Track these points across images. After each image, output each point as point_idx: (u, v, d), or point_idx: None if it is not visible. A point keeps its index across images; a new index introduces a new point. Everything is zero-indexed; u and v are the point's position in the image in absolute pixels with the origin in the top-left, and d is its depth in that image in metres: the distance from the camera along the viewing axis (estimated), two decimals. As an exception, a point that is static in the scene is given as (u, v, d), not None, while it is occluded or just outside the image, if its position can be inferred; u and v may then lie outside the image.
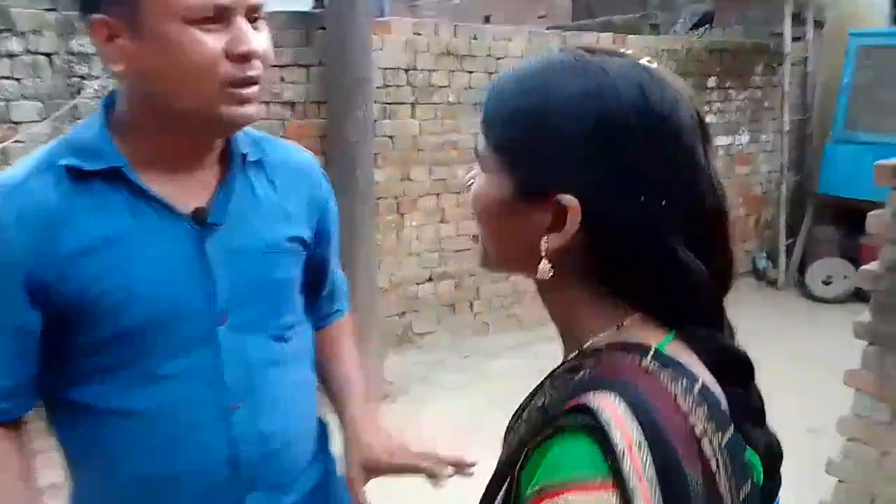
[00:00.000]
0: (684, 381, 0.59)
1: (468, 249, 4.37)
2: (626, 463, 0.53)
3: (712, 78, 5.64)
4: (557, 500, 0.53)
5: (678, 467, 0.54)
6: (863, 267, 2.63)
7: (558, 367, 0.67)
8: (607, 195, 0.61)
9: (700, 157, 0.63)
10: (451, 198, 4.40)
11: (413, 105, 4.15)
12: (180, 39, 0.86)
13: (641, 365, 0.59)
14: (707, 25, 6.56)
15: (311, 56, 3.68)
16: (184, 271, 0.96)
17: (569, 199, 0.60)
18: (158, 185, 0.95)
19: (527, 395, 0.70)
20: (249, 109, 0.93)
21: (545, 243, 0.63)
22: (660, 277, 0.62)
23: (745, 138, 5.99)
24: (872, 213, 2.57)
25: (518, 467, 0.59)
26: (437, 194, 4.39)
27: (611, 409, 0.55)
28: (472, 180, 0.71)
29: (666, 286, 0.63)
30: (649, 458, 0.53)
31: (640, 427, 0.54)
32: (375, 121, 3.86)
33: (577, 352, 0.66)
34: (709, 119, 5.74)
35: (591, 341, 0.64)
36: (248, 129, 1.03)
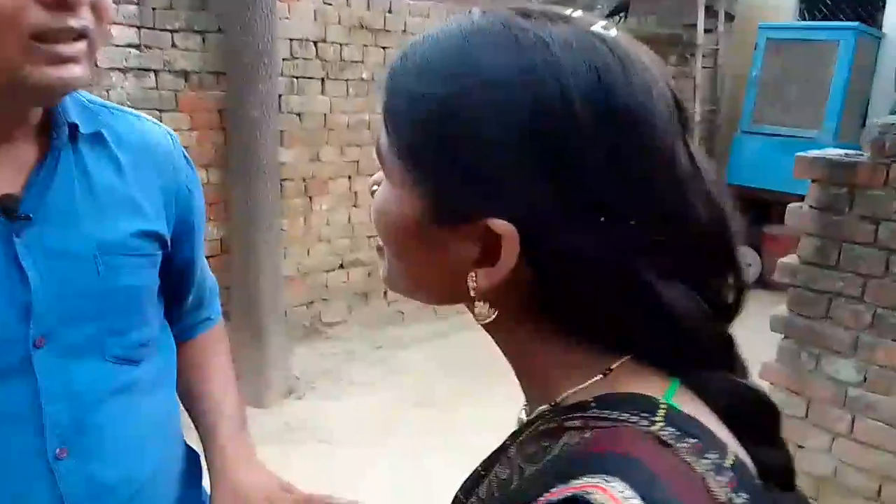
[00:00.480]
0: (713, 455, 0.41)
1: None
2: None
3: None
4: None
5: None
6: (781, 260, 2.60)
7: (525, 428, 0.50)
8: (552, 218, 0.44)
9: (681, 158, 0.46)
10: (364, 180, 4.16)
11: (323, 81, 3.88)
12: None
13: (652, 431, 0.42)
14: (622, 14, 6.57)
15: (207, 22, 3.34)
16: None
17: (502, 226, 0.44)
18: None
19: (483, 458, 0.52)
20: (72, 71, 0.71)
21: (473, 281, 0.46)
22: (638, 317, 0.45)
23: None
24: (791, 206, 2.54)
25: None
26: (349, 176, 4.14)
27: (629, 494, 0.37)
28: (375, 186, 0.53)
29: (650, 327, 0.46)
30: None
31: None
32: (281, 96, 3.58)
33: (548, 407, 0.48)
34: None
35: (567, 393, 0.48)
36: (82, 93, 0.79)
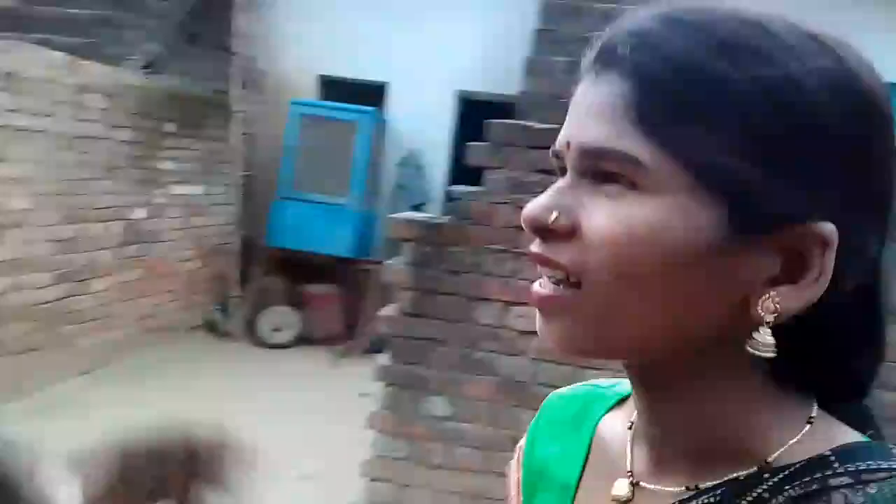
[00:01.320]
0: None
1: None
2: None
3: (171, 124, 5.37)
4: None
5: None
6: (381, 311, 2.80)
7: (736, 492, 0.42)
8: (860, 224, 0.40)
9: None
10: None
11: None
12: None
13: None
14: (151, 68, 6.25)
15: None
16: None
17: (828, 231, 0.39)
18: None
19: None
20: None
21: (773, 304, 0.39)
22: (867, 345, 0.45)
23: (200, 189, 5.88)
24: (388, 263, 2.78)
25: None
26: None
27: None
28: (555, 212, 0.41)
29: (862, 362, 0.45)
30: None
31: None
32: None
33: (756, 470, 0.42)
34: (168, 167, 5.47)
35: (779, 451, 0.42)
36: None
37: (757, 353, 0.40)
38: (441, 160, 6.41)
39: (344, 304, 6.27)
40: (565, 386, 2.16)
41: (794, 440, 0.43)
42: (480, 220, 2.66)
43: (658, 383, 0.45)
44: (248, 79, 6.23)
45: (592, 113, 0.42)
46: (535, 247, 0.44)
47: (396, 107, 6.46)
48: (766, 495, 0.42)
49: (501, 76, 5.95)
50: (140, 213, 5.14)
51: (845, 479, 0.40)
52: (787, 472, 0.42)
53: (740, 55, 0.39)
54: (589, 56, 0.44)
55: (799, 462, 0.42)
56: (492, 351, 2.70)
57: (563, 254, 0.42)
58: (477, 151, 2.69)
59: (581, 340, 0.43)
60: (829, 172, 0.40)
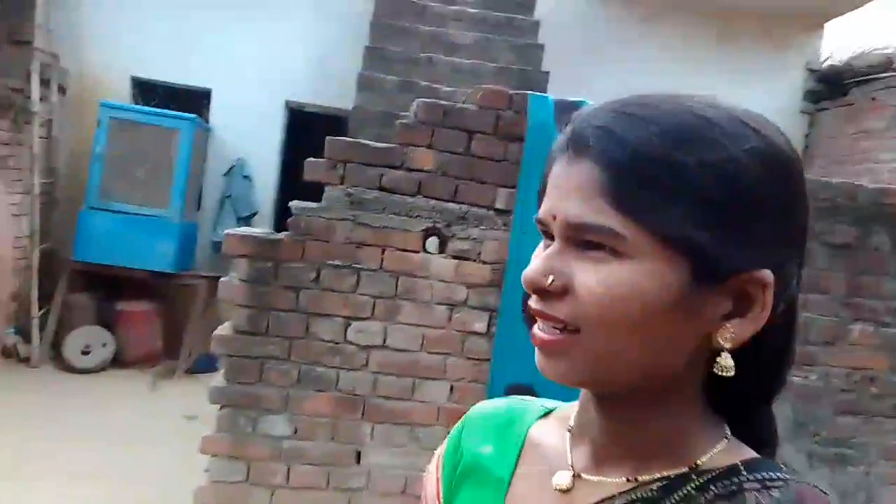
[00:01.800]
0: None
1: None
2: None
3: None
4: None
5: None
6: (215, 332, 2.69)
7: (661, 492, 0.54)
8: (788, 267, 0.53)
9: None
10: None
11: None
12: None
13: (809, 485, 0.53)
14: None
15: None
16: None
17: (767, 275, 0.50)
18: None
19: None
20: None
21: (731, 335, 0.50)
22: (782, 379, 0.58)
23: (-10, 197, 5.21)
24: (223, 280, 2.68)
25: None
26: None
27: None
28: (551, 276, 0.51)
29: (774, 395, 0.59)
30: None
31: None
32: None
33: (687, 470, 0.54)
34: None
35: (704, 458, 0.55)
36: None
37: (722, 373, 0.51)
38: (270, 170, 6.25)
39: (162, 321, 5.88)
40: (405, 396, 2.26)
41: (716, 450, 0.54)
42: (320, 236, 2.66)
43: (621, 403, 0.55)
44: (49, 76, 5.65)
45: (573, 192, 0.51)
46: (535, 303, 0.53)
47: (221, 114, 6.19)
48: (695, 492, 0.53)
49: (332, 88, 5.94)
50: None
51: (755, 485, 0.52)
52: (710, 476, 0.53)
53: (690, 143, 0.49)
54: (561, 140, 0.53)
55: (718, 468, 0.53)
56: (332, 367, 2.70)
57: (560, 309, 0.52)
58: (315, 167, 2.69)
59: (579, 375, 0.53)
60: (765, 229, 0.51)
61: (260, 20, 6.08)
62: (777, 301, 0.52)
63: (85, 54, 6.03)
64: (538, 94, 2.86)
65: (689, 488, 0.53)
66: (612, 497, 0.55)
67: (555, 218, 0.53)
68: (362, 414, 2.73)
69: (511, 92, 2.81)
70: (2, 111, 5.33)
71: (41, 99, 5.51)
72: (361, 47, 5.01)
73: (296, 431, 2.69)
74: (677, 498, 0.54)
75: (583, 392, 0.60)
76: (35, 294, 5.46)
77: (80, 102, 5.95)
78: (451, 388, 2.77)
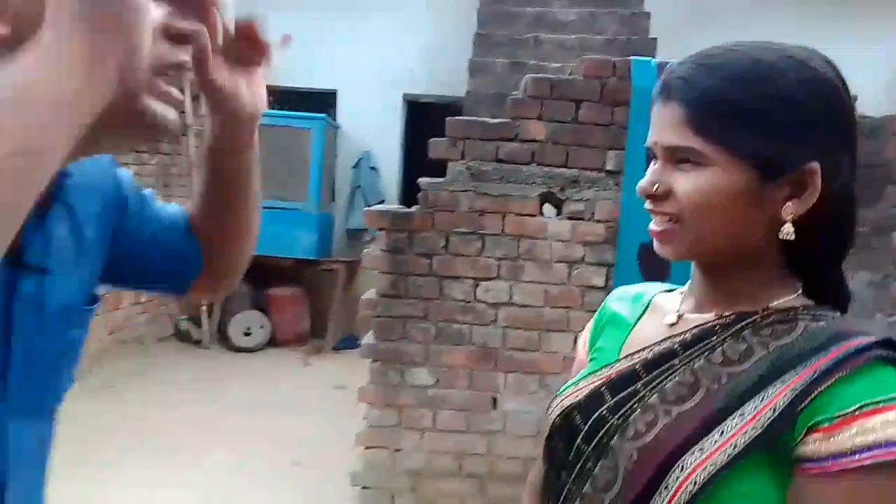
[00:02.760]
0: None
1: None
2: None
3: (128, 140, 5.51)
4: (886, 413, 0.63)
5: None
6: (363, 296, 3.08)
7: (737, 322, 0.74)
8: (835, 159, 0.72)
9: None
10: None
11: None
12: None
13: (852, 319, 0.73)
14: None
15: None
16: None
17: (814, 166, 0.70)
18: None
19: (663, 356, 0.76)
20: (173, 114, 0.68)
21: (791, 211, 0.71)
22: (845, 247, 0.77)
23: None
24: (366, 250, 3.06)
25: (800, 407, 0.66)
26: None
27: None
28: (657, 185, 0.73)
29: (840, 259, 0.77)
30: None
31: None
32: None
33: (760, 310, 0.75)
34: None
35: (777, 302, 0.75)
36: None
37: (786, 237, 0.71)
38: (393, 160, 6.71)
39: (308, 303, 6.50)
40: (532, 348, 2.60)
41: (786, 299, 0.75)
42: (446, 207, 2.98)
43: (718, 266, 0.77)
44: (197, 92, 6.37)
45: (666, 126, 0.73)
46: (648, 205, 0.76)
47: (347, 112, 6.73)
48: (760, 321, 0.74)
49: (445, 78, 6.29)
50: (106, 230, 5.27)
51: (807, 316, 0.73)
52: (774, 313, 0.74)
53: (745, 82, 0.70)
54: (656, 89, 0.76)
55: (784, 309, 0.74)
56: (465, 323, 3.02)
57: (666, 206, 0.74)
58: (437, 146, 3.01)
59: (683, 252, 0.75)
60: (810, 135, 0.70)
61: (374, 20, 6.53)
62: (828, 185, 0.70)
63: (226, 70, 6.73)
64: (641, 59, 3.02)
65: (756, 319, 0.74)
66: (701, 325, 0.77)
67: (656, 144, 0.74)
68: (495, 364, 3.03)
69: (614, 59, 3.00)
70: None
71: (193, 112, 6.24)
72: (471, 35, 5.30)
73: (437, 381, 3.04)
74: (746, 324, 0.74)
75: (693, 266, 0.81)
76: (201, 285, 6.22)
77: (225, 113, 6.65)
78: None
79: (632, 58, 2.99)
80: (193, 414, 4.52)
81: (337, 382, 5.32)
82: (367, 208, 3.08)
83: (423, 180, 3.01)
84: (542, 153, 2.97)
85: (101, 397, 4.56)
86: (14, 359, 0.71)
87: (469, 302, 3.01)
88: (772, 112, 0.69)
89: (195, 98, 6.31)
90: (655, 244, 0.77)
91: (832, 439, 0.64)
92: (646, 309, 0.88)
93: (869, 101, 4.69)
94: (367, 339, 3.08)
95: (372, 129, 6.62)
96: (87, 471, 3.36)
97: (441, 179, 3.00)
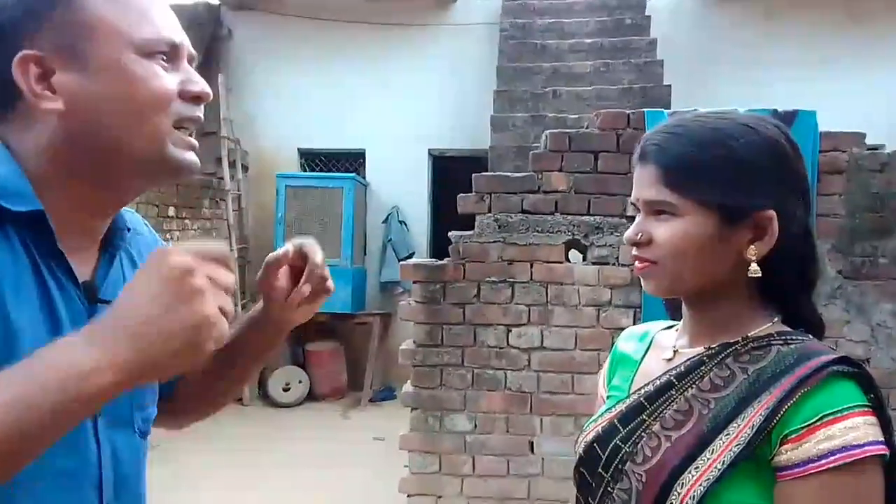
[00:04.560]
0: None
1: None
2: (881, 398, 0.79)
3: (171, 208, 5.81)
4: (846, 421, 0.75)
5: (886, 405, 0.81)
6: (401, 346, 3.22)
7: (721, 351, 0.87)
8: (789, 206, 0.85)
9: None
10: None
11: None
12: (136, 71, 0.78)
13: (821, 343, 0.86)
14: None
15: None
16: None
17: (769, 213, 0.84)
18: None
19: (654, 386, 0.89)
20: (196, 159, 0.85)
21: (754, 252, 0.84)
22: (810, 278, 0.90)
23: (201, 265, 6.28)
24: (402, 303, 3.22)
25: (772, 423, 0.78)
26: None
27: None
28: (640, 234, 0.88)
29: (808, 289, 0.90)
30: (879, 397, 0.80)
31: (867, 375, 0.80)
32: None
33: (740, 339, 0.87)
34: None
35: (754, 332, 0.87)
36: None
37: (754, 275, 0.85)
38: (422, 213, 6.92)
39: (345, 357, 6.65)
40: (566, 390, 2.74)
41: (763, 328, 0.87)
42: (476, 258, 3.14)
43: (699, 301, 0.90)
44: (234, 159, 6.72)
45: (645, 184, 0.88)
46: (633, 251, 0.90)
47: (375, 169, 7.00)
48: (740, 348, 0.86)
49: (469, 132, 6.54)
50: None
51: (780, 341, 0.85)
52: (752, 341, 0.86)
53: (707, 146, 0.85)
54: (636, 154, 0.91)
55: (761, 336, 0.86)
56: (500, 368, 3.14)
57: (648, 252, 0.88)
58: (466, 201, 3.18)
59: (662, 288, 0.88)
60: (765, 188, 0.84)
61: (399, 82, 6.84)
62: (785, 228, 0.84)
63: (259, 136, 7.08)
64: (653, 109, 3.19)
65: (736, 347, 0.86)
66: (692, 357, 0.89)
67: (638, 199, 0.89)
68: (530, 408, 3.13)
69: (628, 112, 3.17)
70: (203, 192, 6.42)
71: (230, 178, 6.56)
72: (492, 91, 5.55)
73: (476, 427, 3.14)
74: (728, 352, 0.86)
75: (682, 304, 0.94)
76: (241, 343, 6.43)
77: (260, 177, 6.98)
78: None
79: (644, 110, 3.16)
80: (238, 468, 4.65)
81: (376, 433, 5.41)
82: (402, 262, 3.26)
83: (453, 233, 3.17)
84: (566, 203, 3.13)
85: (152, 457, 4.70)
86: None
87: (503, 348, 3.14)
88: (730, 169, 0.84)
89: (232, 164, 6.64)
90: (643, 283, 0.91)
91: (800, 448, 0.76)
92: (649, 346, 1.01)
93: (881, 131, 4.80)
94: (407, 387, 3.20)
95: (400, 185, 6.87)
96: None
97: (470, 232, 3.16)
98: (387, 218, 6.88)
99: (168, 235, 5.77)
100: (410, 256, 6.74)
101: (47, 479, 0.77)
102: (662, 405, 0.88)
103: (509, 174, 3.24)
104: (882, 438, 0.77)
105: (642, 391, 0.92)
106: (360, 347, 6.55)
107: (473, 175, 3.22)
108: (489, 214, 3.15)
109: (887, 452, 0.77)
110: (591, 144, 3.14)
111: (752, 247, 0.85)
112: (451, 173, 6.53)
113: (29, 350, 0.69)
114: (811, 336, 0.88)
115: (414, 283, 3.18)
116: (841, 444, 0.75)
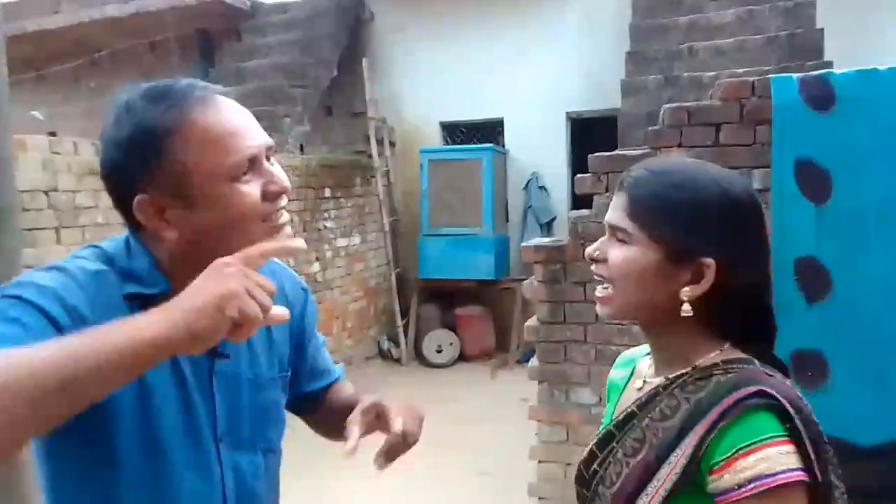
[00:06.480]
0: (788, 381, 0.93)
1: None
2: (798, 427, 0.84)
3: (327, 189, 6.34)
4: (759, 453, 0.83)
5: (821, 434, 0.87)
6: (526, 323, 3.40)
7: (673, 382, 0.97)
8: (735, 259, 0.92)
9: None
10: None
11: (57, 230, 3.71)
12: (230, 197, 0.94)
13: (760, 369, 0.93)
14: (304, 147, 7.31)
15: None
16: (194, 396, 1.03)
17: (709, 262, 0.91)
18: None
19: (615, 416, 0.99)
20: (290, 232, 1.01)
21: (687, 293, 0.92)
22: (755, 323, 0.97)
23: (357, 239, 6.83)
24: (525, 283, 3.38)
25: (701, 453, 0.86)
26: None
27: (779, 393, 0.87)
28: (597, 251, 0.99)
29: (756, 329, 0.97)
30: (804, 427, 0.85)
31: (793, 406, 0.86)
32: (16, 250, 3.34)
33: (691, 368, 0.96)
34: (329, 225, 6.44)
35: (702, 361, 0.95)
36: None
37: (684, 314, 0.93)
38: (562, 177, 6.96)
39: (492, 321, 6.95)
40: None
41: (711, 356, 0.95)
42: (594, 238, 3.19)
43: (651, 331, 1.01)
44: (381, 137, 7.13)
45: (615, 209, 0.98)
46: (592, 266, 1.01)
47: (513, 137, 7.11)
48: (688, 379, 0.95)
49: (604, 92, 6.42)
50: (315, 267, 6.13)
51: (720, 371, 0.93)
52: (699, 371, 0.95)
53: (674, 190, 0.93)
54: (617, 185, 1.00)
55: (709, 365, 0.95)
56: (622, 345, 3.22)
57: (601, 270, 0.99)
58: (583, 182, 3.25)
59: (615, 312, 0.99)
60: (713, 238, 0.91)
61: (534, 47, 6.84)
62: (726, 277, 0.90)
63: (403, 113, 7.44)
64: (780, 76, 3.02)
65: (685, 377, 0.94)
66: (654, 387, 0.97)
67: (606, 221, 0.98)
68: (654, 382, 3.18)
69: (752, 79, 3.04)
70: (355, 171, 6.91)
71: (379, 156, 6.99)
72: (624, 54, 5.41)
73: (600, 399, 3.26)
74: (678, 383, 0.94)
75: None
76: (397, 308, 6.94)
77: (405, 152, 7.36)
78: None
79: (771, 76, 3.02)
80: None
81: (522, 395, 5.67)
82: (524, 244, 3.40)
83: (572, 213, 3.27)
84: (685, 179, 3.08)
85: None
86: (218, 412, 1.04)
87: (623, 324, 3.21)
88: (687, 214, 0.92)
89: (379, 142, 7.06)
90: (598, 307, 1.01)
91: (722, 479, 0.85)
92: (631, 374, 1.11)
93: None
94: (533, 362, 3.39)
95: (538, 151, 6.93)
96: (305, 480, 4.03)
97: (588, 212, 3.24)
98: (527, 184, 6.99)
99: (326, 214, 6.32)
100: (552, 221, 6.83)
101: (183, 498, 0.99)
102: (626, 433, 0.97)
103: (625, 153, 3.25)
104: (800, 465, 0.83)
105: (615, 419, 1.02)
106: (506, 312, 6.81)
107: (590, 156, 3.27)
108: (606, 194, 3.19)
109: (806, 478, 0.83)
110: (712, 117, 3.06)
111: (687, 288, 0.92)
112: (589, 135, 6.49)
113: (158, 406, 0.96)
114: (756, 362, 0.94)
115: (535, 263, 3.32)
116: (752, 475, 0.83)
